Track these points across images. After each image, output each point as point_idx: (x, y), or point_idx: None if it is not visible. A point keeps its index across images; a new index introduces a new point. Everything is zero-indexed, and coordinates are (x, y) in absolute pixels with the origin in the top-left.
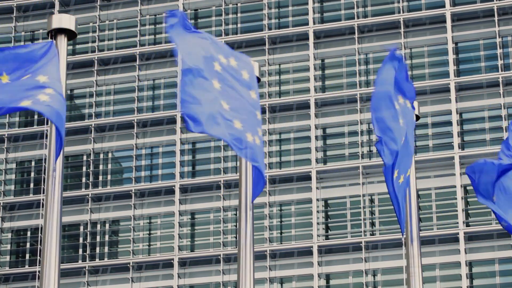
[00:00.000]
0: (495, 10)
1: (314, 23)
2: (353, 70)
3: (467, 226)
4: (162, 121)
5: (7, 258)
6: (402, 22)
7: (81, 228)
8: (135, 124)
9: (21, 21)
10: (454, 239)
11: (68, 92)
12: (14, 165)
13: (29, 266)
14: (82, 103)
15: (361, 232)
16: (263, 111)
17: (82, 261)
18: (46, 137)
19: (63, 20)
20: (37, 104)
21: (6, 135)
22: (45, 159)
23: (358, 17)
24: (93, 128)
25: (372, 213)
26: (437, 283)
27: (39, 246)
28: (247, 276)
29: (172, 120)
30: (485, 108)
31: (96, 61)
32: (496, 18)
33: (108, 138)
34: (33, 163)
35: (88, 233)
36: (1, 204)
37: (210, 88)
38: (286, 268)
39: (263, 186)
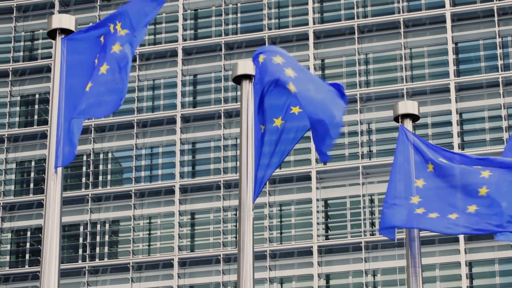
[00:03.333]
0: (495, 10)
1: (314, 23)
2: (353, 70)
3: None
4: (162, 121)
5: (7, 258)
6: (402, 22)
7: (81, 228)
8: (135, 124)
9: (21, 21)
10: (454, 239)
11: None
12: (14, 165)
13: (29, 266)
14: None
15: (361, 232)
16: None
17: (82, 261)
18: (46, 137)
19: (63, 20)
20: None
21: (6, 135)
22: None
23: (358, 17)
24: (93, 128)
25: (372, 213)
26: (437, 283)
27: (39, 246)
28: (247, 276)
29: (172, 120)
30: (485, 108)
31: None
32: (496, 18)
33: (108, 138)
34: (33, 163)
35: (88, 233)
36: (1, 204)
37: None
38: (286, 268)
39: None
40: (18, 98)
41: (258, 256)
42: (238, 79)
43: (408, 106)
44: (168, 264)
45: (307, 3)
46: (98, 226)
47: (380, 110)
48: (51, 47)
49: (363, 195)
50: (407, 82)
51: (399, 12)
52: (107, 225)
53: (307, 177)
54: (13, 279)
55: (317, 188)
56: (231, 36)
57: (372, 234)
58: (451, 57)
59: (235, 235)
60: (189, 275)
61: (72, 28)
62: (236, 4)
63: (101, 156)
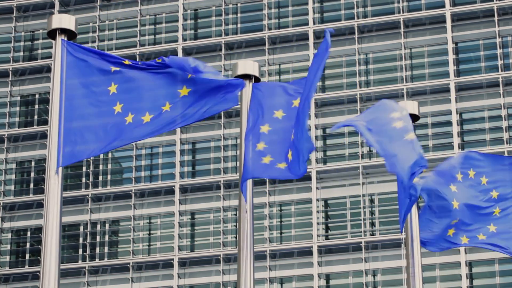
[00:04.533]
0: (495, 10)
1: (314, 23)
2: (353, 70)
3: None
4: None
5: (7, 258)
6: (402, 22)
7: (81, 228)
8: None
9: (21, 21)
10: None
11: None
12: (14, 165)
13: (29, 266)
14: None
15: (361, 232)
16: None
17: (82, 261)
18: (46, 137)
19: (63, 20)
20: None
21: (6, 135)
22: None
23: (358, 17)
24: None
25: (372, 213)
26: (437, 283)
27: (39, 246)
28: (247, 276)
29: None
30: (485, 108)
31: None
32: (496, 18)
33: None
34: (33, 163)
35: (88, 233)
36: (1, 204)
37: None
38: (286, 268)
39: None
40: (18, 98)
41: (258, 256)
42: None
43: (408, 106)
44: (168, 264)
45: (307, 3)
46: (98, 226)
47: None
48: (51, 47)
49: (363, 195)
50: (407, 82)
51: (399, 12)
52: (107, 225)
53: (307, 177)
54: (13, 279)
55: (317, 188)
56: (231, 36)
57: (372, 234)
58: (451, 57)
59: (235, 235)
60: (189, 275)
61: (72, 28)
62: (236, 4)
63: (101, 156)
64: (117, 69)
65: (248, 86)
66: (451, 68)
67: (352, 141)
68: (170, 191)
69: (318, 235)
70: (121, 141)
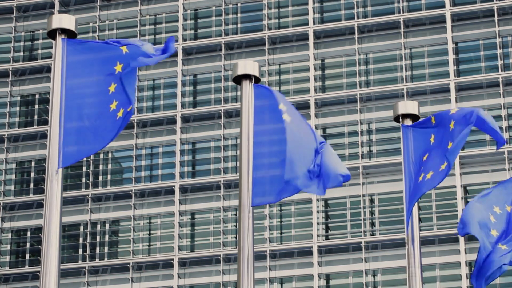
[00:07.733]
0: (495, 10)
1: (314, 23)
2: (353, 70)
3: None
4: (162, 121)
5: (7, 258)
6: (402, 22)
7: (81, 228)
8: (135, 124)
9: (21, 21)
10: (454, 239)
11: None
12: (14, 165)
13: (29, 266)
14: None
15: (361, 232)
16: None
17: (82, 261)
18: (46, 137)
19: (63, 20)
20: None
21: (6, 135)
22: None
23: (358, 17)
24: None
25: (372, 213)
26: (437, 283)
27: (39, 246)
28: (247, 276)
29: (172, 120)
30: (485, 108)
31: None
32: (496, 18)
33: None
34: (33, 163)
35: (88, 233)
36: (1, 204)
37: None
38: (286, 268)
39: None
40: (18, 98)
41: (258, 256)
42: (238, 79)
43: (408, 106)
44: (168, 264)
45: (307, 3)
46: (98, 226)
47: (380, 110)
48: (51, 47)
49: (363, 195)
50: (407, 82)
51: (399, 12)
52: (107, 225)
53: None
54: (13, 279)
55: None
56: (231, 36)
57: (372, 234)
58: (451, 57)
59: (235, 235)
60: (189, 275)
61: (72, 28)
62: (236, 4)
63: (101, 156)
64: (120, 70)
65: (249, 86)
66: (451, 68)
67: (352, 141)
68: (170, 191)
69: (318, 235)
70: (109, 136)
